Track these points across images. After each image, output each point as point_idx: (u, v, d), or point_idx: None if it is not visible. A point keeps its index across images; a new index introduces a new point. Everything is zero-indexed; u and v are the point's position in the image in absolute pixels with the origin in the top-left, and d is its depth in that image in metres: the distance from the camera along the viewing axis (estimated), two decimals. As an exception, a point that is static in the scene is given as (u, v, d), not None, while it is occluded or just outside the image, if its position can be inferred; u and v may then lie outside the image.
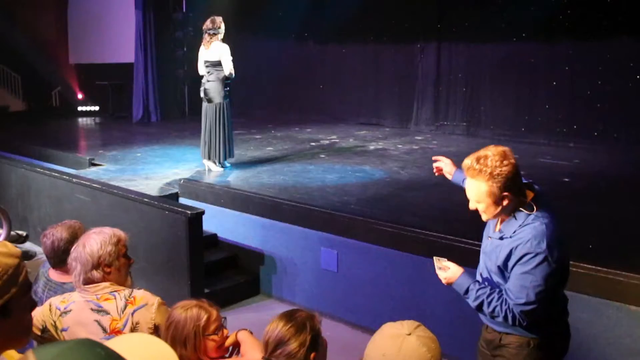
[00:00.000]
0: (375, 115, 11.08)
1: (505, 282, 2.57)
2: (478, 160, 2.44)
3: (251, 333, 2.50)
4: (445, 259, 2.71)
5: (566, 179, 6.74)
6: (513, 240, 2.49)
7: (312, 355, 2.12)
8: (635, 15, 7.99)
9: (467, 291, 2.60)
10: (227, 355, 2.46)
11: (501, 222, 2.60)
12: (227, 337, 2.42)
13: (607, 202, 5.85)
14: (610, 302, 3.80)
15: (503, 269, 2.55)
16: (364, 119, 11.15)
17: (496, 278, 2.62)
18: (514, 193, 2.46)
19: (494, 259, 2.59)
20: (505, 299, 2.51)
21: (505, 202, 2.47)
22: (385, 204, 5.76)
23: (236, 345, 2.46)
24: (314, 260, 5.38)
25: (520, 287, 2.46)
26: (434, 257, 2.73)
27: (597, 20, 8.37)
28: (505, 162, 2.42)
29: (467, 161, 2.47)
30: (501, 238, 2.56)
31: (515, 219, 2.52)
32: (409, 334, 1.81)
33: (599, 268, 3.86)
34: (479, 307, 2.59)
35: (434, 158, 3.32)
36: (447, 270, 2.66)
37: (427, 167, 7.33)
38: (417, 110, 10.46)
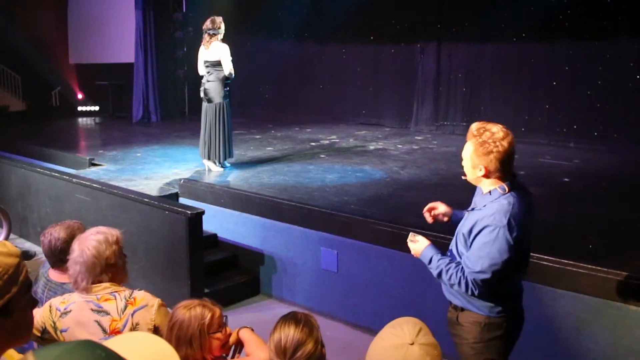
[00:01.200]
0: (375, 115, 11.09)
1: (467, 250, 2.73)
2: (480, 127, 2.66)
3: (252, 330, 2.51)
4: (420, 235, 2.89)
5: (566, 179, 6.75)
6: (480, 212, 2.68)
7: (324, 350, 2.23)
8: (635, 15, 7.99)
9: (430, 261, 2.79)
10: (230, 353, 2.47)
11: (480, 196, 2.79)
12: (229, 335, 2.44)
13: (607, 202, 5.85)
14: (610, 302, 3.80)
15: (467, 237, 2.71)
16: (364, 119, 11.15)
17: (461, 248, 2.78)
18: (491, 170, 2.64)
19: (461, 228, 2.78)
20: (462, 268, 2.68)
21: (480, 172, 2.66)
22: (385, 204, 5.76)
23: (238, 344, 2.47)
24: (314, 260, 5.38)
25: (477, 257, 2.63)
26: (410, 232, 2.92)
27: (597, 20, 8.37)
28: (498, 143, 2.61)
29: (474, 125, 2.71)
30: (473, 209, 2.78)
31: (490, 194, 2.70)
32: (412, 344, 1.79)
33: (599, 268, 3.85)
34: (439, 275, 2.77)
35: (429, 206, 3.16)
36: (416, 243, 2.86)
37: (427, 167, 7.35)
38: (417, 110, 10.47)
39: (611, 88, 8.39)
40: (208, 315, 2.34)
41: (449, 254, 2.88)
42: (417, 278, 4.75)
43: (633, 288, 3.72)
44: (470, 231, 2.68)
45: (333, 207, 5.51)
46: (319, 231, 5.34)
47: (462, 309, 2.81)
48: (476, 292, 2.67)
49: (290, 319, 2.24)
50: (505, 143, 2.61)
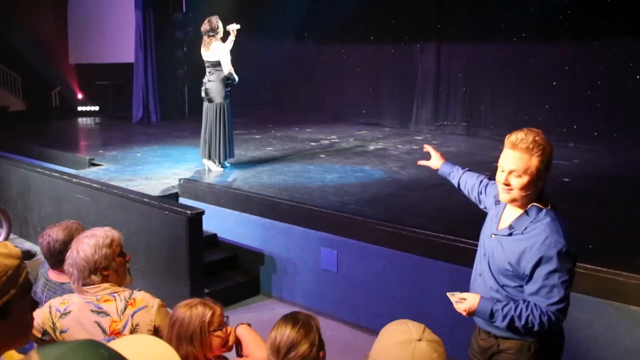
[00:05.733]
0: (375, 115, 11.08)
1: (512, 281, 2.52)
2: (525, 137, 2.43)
3: (250, 326, 2.51)
4: (458, 292, 2.60)
5: (566, 179, 6.74)
6: (526, 238, 2.46)
7: (321, 353, 2.19)
8: (635, 15, 7.99)
9: (491, 315, 2.50)
10: (239, 352, 2.48)
11: (516, 218, 2.54)
12: (230, 334, 2.45)
13: (607, 202, 5.85)
14: (610, 302, 3.80)
15: (515, 267, 2.49)
16: (364, 119, 11.15)
17: (502, 278, 2.56)
18: (546, 177, 2.46)
19: (501, 256, 2.53)
20: (535, 305, 2.44)
21: (539, 184, 2.46)
22: (385, 204, 5.76)
23: (239, 343, 2.47)
24: (314, 260, 5.38)
25: (550, 287, 2.42)
26: (448, 294, 2.62)
27: (597, 20, 8.37)
28: (549, 144, 2.43)
29: (520, 135, 2.44)
30: (510, 234, 2.52)
31: (527, 214, 2.49)
32: (420, 340, 1.82)
33: (599, 268, 3.86)
34: (510, 325, 2.49)
35: (425, 148, 3.37)
36: (465, 302, 2.54)
37: (427, 167, 7.33)
38: (417, 110, 10.46)
39: (611, 88, 8.39)
40: (209, 313, 2.35)
41: (479, 276, 2.66)
42: (417, 278, 4.75)
43: (633, 288, 3.72)
44: (519, 261, 2.46)
45: (333, 207, 5.51)
46: (319, 231, 5.34)
47: (503, 337, 2.62)
48: (560, 324, 2.49)
49: (289, 318, 2.23)
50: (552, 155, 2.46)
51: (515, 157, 2.43)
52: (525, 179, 2.43)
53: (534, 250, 2.42)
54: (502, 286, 2.56)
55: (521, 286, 2.52)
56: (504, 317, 2.47)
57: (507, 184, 2.46)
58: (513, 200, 2.51)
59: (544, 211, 2.48)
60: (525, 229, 2.48)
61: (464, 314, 2.55)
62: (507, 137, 2.50)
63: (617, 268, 3.83)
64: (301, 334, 2.16)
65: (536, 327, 2.45)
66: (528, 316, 2.44)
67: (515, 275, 2.51)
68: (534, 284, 2.45)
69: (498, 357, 2.65)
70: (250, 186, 6.36)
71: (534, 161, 2.41)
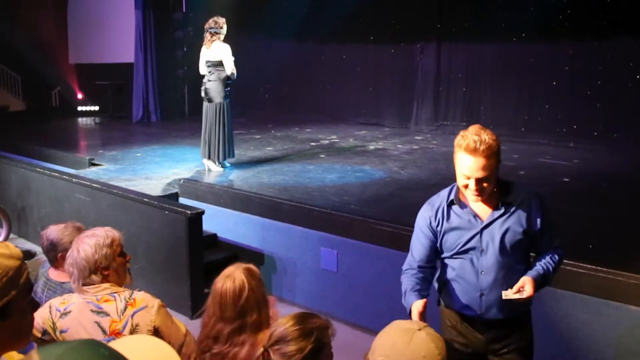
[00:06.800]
0: (375, 115, 11.09)
1: (524, 248, 2.68)
2: (481, 139, 2.48)
3: None
4: (508, 292, 2.58)
5: (566, 179, 6.75)
6: (520, 203, 2.65)
7: None
8: (635, 15, 7.99)
9: (545, 279, 2.65)
10: None
11: (503, 197, 2.64)
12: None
13: (607, 202, 5.85)
14: (610, 302, 3.80)
15: (528, 231, 2.63)
16: (364, 119, 11.15)
17: (517, 254, 2.65)
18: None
19: (514, 232, 2.61)
20: (554, 249, 2.73)
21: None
22: (385, 204, 5.76)
23: None
24: (314, 260, 5.38)
25: (554, 231, 2.74)
26: (504, 297, 2.60)
27: (597, 20, 8.38)
28: (494, 137, 2.54)
29: (475, 138, 2.48)
30: (508, 209, 2.64)
31: (505, 191, 2.66)
32: (420, 330, 1.90)
33: (599, 268, 3.86)
34: (554, 272, 2.73)
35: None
36: (526, 287, 2.55)
37: (427, 167, 7.35)
38: (417, 110, 10.47)
39: (611, 88, 8.40)
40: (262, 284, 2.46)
41: (482, 274, 2.67)
42: (417, 278, 4.74)
43: (633, 288, 3.72)
44: (530, 222, 2.62)
45: (333, 207, 5.51)
46: (319, 231, 5.34)
47: (512, 317, 2.71)
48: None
49: (301, 315, 2.13)
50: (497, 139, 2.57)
51: (479, 165, 2.48)
52: (491, 180, 2.55)
53: (534, 207, 2.65)
54: (517, 263, 2.66)
55: (529, 252, 2.73)
56: (547, 276, 2.66)
57: (479, 190, 2.54)
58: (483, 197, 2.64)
59: (507, 181, 2.71)
60: (513, 199, 2.65)
61: (532, 294, 2.57)
62: (459, 140, 2.52)
63: (617, 268, 3.83)
64: (294, 334, 2.04)
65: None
66: (559, 260, 2.73)
67: (527, 240, 2.65)
68: (546, 236, 2.70)
69: (512, 334, 2.73)
70: (250, 186, 6.36)
71: (493, 161, 2.52)
